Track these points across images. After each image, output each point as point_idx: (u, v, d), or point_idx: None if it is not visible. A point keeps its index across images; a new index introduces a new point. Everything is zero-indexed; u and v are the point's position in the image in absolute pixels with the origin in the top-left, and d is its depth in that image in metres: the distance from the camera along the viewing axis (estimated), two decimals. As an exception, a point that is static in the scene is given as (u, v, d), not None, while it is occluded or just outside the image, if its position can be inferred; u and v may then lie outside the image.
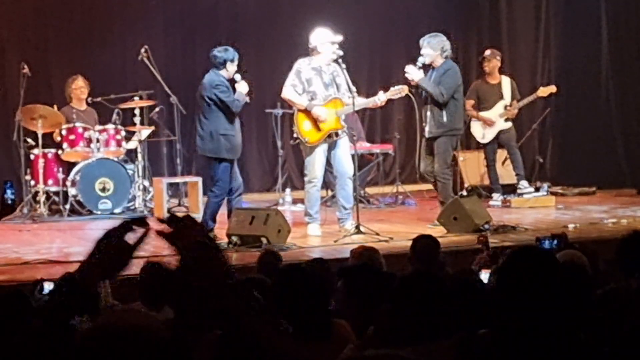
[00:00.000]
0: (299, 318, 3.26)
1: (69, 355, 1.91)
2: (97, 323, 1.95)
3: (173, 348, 1.94)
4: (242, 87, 8.95)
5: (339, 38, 9.14)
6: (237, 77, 8.97)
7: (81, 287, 2.24)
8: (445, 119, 9.48)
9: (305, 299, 3.26)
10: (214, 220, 8.93)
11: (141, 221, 2.33)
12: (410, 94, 9.47)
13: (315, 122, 9.09)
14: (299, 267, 3.68)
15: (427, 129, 9.61)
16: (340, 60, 9.12)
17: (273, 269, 5.60)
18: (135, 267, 7.13)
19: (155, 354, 1.90)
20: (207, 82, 8.91)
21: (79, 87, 11.54)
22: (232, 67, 8.94)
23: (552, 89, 11.75)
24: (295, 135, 9.37)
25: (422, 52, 9.61)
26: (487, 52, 11.78)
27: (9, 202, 4.93)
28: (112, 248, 2.29)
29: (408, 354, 1.81)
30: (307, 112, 9.11)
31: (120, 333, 1.91)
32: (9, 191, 4.87)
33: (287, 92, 9.24)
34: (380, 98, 9.27)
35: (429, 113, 9.57)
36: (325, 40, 9.14)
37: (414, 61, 9.60)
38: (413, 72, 9.49)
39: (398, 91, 9.28)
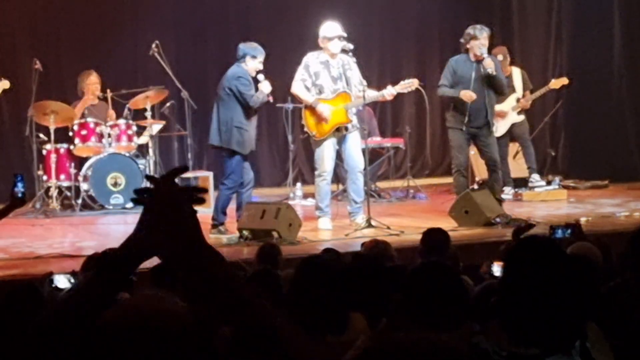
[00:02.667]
0: (317, 310, 3.25)
1: (91, 341, 1.90)
2: (118, 306, 1.94)
3: (196, 333, 1.94)
4: (265, 86, 8.96)
5: (336, 33, 9.11)
6: (260, 77, 8.99)
7: (123, 264, 1.99)
8: (450, 109, 9.51)
9: (325, 291, 3.24)
10: (225, 214, 8.96)
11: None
12: (420, 88, 9.43)
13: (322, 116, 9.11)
14: (319, 259, 3.65)
15: (488, 118, 9.41)
16: (351, 54, 9.14)
17: (272, 261, 5.63)
18: (147, 261, 7.19)
19: (178, 339, 1.90)
20: (230, 73, 8.97)
21: (93, 82, 11.57)
22: (251, 63, 8.95)
23: (564, 80, 11.73)
24: (305, 129, 9.39)
25: (486, 42, 9.35)
26: (500, 57, 11.65)
27: (20, 195, 4.94)
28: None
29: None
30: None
31: (141, 316, 1.91)
32: (19, 184, 4.89)
33: (296, 87, 9.28)
34: (389, 91, 9.25)
35: (486, 103, 9.35)
36: (323, 35, 9.18)
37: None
38: (491, 63, 9.29)
39: (408, 85, 9.26)
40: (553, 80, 11.83)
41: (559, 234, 5.83)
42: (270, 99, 9.06)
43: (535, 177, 11.51)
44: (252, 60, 8.97)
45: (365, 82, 9.21)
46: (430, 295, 2.94)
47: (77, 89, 11.68)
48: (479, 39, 9.32)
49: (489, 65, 9.21)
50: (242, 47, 9.06)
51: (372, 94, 9.41)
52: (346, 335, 3.18)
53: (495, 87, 9.39)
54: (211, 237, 8.69)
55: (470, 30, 9.46)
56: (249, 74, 8.95)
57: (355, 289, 3.39)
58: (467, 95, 9.23)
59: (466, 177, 9.61)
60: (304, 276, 3.33)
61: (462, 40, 9.56)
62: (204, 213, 10.81)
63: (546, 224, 8.47)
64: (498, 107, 11.47)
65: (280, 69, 12.00)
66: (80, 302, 1.96)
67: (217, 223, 8.86)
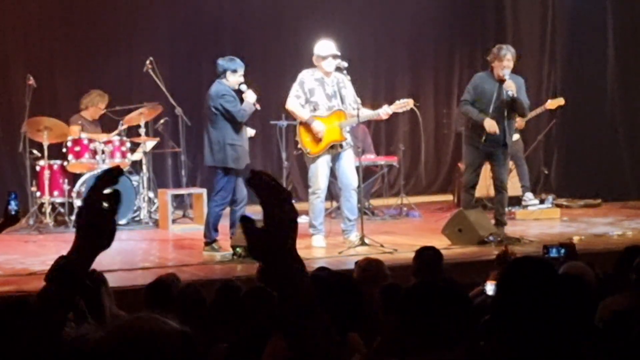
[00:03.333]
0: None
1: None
2: (112, 327, 1.95)
3: (189, 353, 1.94)
4: (249, 96, 8.96)
5: (329, 52, 9.14)
6: (243, 87, 8.98)
7: (75, 270, 2.22)
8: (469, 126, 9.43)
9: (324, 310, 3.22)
10: (216, 230, 8.96)
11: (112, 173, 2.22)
12: (415, 108, 9.43)
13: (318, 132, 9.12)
14: (317, 278, 3.63)
15: (506, 140, 9.19)
16: (345, 72, 9.17)
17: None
18: (140, 278, 7.19)
19: (171, 359, 1.90)
20: (213, 92, 8.96)
21: (102, 108, 11.61)
22: (233, 78, 8.94)
23: (560, 101, 11.75)
24: (299, 145, 9.40)
25: (509, 64, 9.15)
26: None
27: (13, 213, 4.94)
28: (94, 219, 2.22)
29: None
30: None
31: (134, 338, 1.92)
32: (13, 202, 4.89)
33: (291, 103, 9.28)
34: (385, 111, 9.27)
35: (505, 125, 9.13)
36: (317, 53, 9.21)
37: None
38: (511, 85, 9.10)
39: (403, 105, 9.27)
40: (549, 101, 11.86)
41: (553, 253, 5.83)
42: (257, 106, 9.05)
43: (529, 195, 11.53)
44: (232, 75, 8.95)
45: (359, 100, 9.24)
46: (426, 316, 2.94)
47: (80, 101, 11.63)
48: (502, 60, 9.14)
49: (509, 87, 9.03)
50: (221, 62, 9.04)
51: (367, 113, 9.42)
52: (342, 354, 3.17)
53: (517, 109, 9.21)
54: (205, 255, 8.70)
55: (495, 50, 9.32)
56: (231, 88, 8.95)
57: (351, 308, 3.39)
58: (490, 125, 9.04)
59: (473, 194, 9.48)
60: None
61: (488, 59, 9.49)
62: (194, 230, 10.90)
63: (539, 242, 8.49)
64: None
65: (275, 87, 12.06)
66: (44, 312, 2.04)
67: (210, 240, 8.86)
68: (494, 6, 14.74)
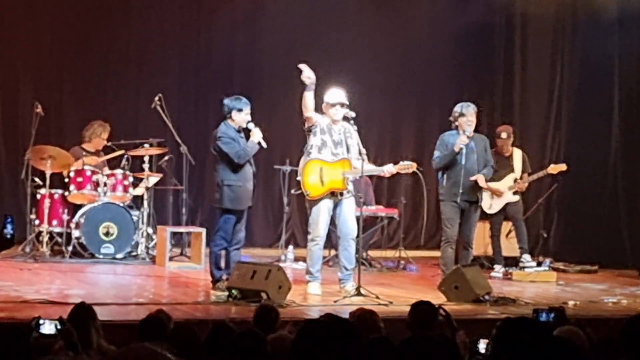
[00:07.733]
0: None
1: None
2: (110, 356, 1.96)
3: None
4: (255, 135, 9.02)
5: (338, 100, 9.20)
6: (250, 125, 9.03)
7: None
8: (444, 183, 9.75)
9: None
10: (219, 268, 8.99)
11: None
12: (417, 172, 9.54)
13: (321, 177, 9.12)
14: (322, 324, 3.57)
15: (480, 198, 9.97)
16: (352, 122, 9.21)
17: (270, 324, 5.58)
18: (133, 313, 7.17)
19: None
20: (214, 134, 9.04)
21: (104, 138, 11.66)
22: (239, 117, 8.99)
23: (563, 167, 11.76)
24: (300, 186, 9.34)
25: (473, 120, 9.76)
26: (504, 135, 11.74)
27: (8, 236, 4.98)
28: None
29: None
30: (315, 165, 9.13)
31: None
32: (9, 226, 4.93)
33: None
34: (389, 169, 9.38)
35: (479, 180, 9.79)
36: (325, 101, 9.28)
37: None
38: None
39: (407, 167, 9.41)
40: (552, 165, 11.87)
41: (543, 317, 5.81)
42: (264, 144, 9.08)
43: (526, 257, 11.52)
44: (238, 114, 9.00)
45: (364, 151, 9.26)
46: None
47: (82, 133, 11.70)
48: (465, 116, 9.70)
49: (462, 142, 9.63)
50: (227, 102, 9.08)
51: (371, 168, 9.56)
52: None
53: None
54: (212, 297, 8.65)
55: (457, 107, 9.85)
56: (234, 129, 8.98)
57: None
58: (461, 140, 9.64)
59: (454, 249, 9.71)
60: (307, 341, 3.25)
61: (451, 118, 9.82)
62: (190, 269, 10.88)
63: (535, 304, 8.46)
64: (495, 185, 11.53)
65: (280, 131, 12.10)
66: None
67: (214, 280, 8.95)
68: (502, 68, 14.81)
